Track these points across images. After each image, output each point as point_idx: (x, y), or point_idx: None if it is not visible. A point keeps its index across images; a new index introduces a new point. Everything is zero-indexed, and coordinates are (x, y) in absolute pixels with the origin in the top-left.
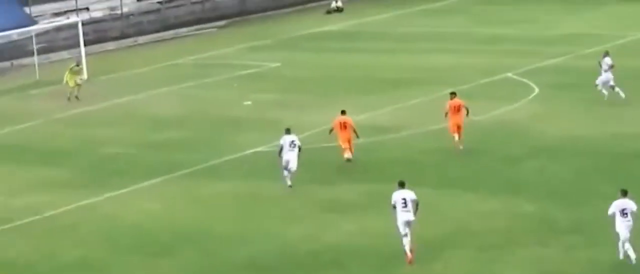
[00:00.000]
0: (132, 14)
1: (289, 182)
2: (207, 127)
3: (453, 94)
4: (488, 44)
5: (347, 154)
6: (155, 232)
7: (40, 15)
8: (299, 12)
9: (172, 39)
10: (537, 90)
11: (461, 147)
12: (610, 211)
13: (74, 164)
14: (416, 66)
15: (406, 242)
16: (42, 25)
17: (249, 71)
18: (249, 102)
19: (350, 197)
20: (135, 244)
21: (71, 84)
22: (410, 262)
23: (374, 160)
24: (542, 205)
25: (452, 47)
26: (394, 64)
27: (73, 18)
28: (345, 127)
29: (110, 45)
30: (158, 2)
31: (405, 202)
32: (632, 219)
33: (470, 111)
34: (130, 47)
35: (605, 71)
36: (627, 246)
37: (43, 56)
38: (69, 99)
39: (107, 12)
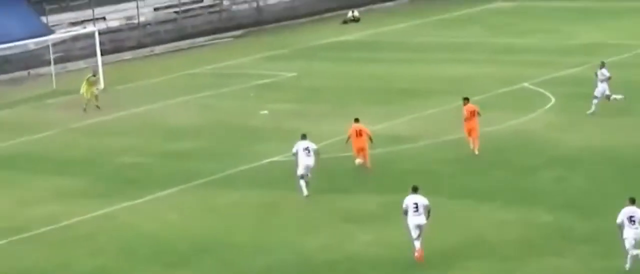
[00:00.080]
0: (149, 24)
1: (305, 192)
2: (223, 137)
3: (466, 100)
4: (505, 54)
5: (359, 160)
6: (172, 242)
7: (57, 25)
8: (315, 22)
9: (188, 48)
10: (553, 100)
11: (476, 152)
12: (619, 219)
13: (90, 174)
14: (433, 76)
15: (417, 243)
16: (59, 35)
17: (265, 81)
18: (266, 112)
19: (367, 207)
20: (153, 254)
21: (87, 95)
22: (420, 258)
23: (391, 170)
24: (558, 215)
25: (469, 57)
26: (410, 74)
27: (90, 27)
28: (360, 134)
29: (127, 55)
30: (175, 12)
31: (416, 207)
32: None
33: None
34: (146, 56)
35: (601, 82)
36: (636, 252)
37: (60, 66)
38: (84, 109)
39: (124, 21)
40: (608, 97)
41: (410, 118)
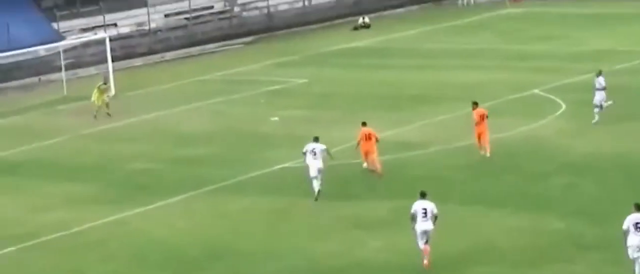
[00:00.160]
0: (159, 30)
1: (316, 191)
2: (234, 143)
3: (475, 104)
4: (515, 61)
5: (366, 164)
6: (183, 248)
7: (68, 31)
8: (325, 28)
9: (199, 55)
10: (564, 106)
11: (488, 154)
12: (624, 226)
13: (101, 180)
14: (443, 82)
15: (421, 242)
16: (70, 41)
17: (276, 87)
18: (276, 118)
19: (378, 214)
20: (164, 260)
21: (98, 102)
22: (428, 266)
23: (401, 176)
24: (569, 222)
25: (480, 63)
26: (421, 81)
27: (101, 34)
28: (369, 138)
29: (138, 61)
30: (185, 18)
31: (425, 213)
32: None
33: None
34: (157, 63)
35: (598, 90)
36: None
37: (71, 72)
38: (95, 116)
39: (135, 28)
40: (600, 106)
41: (420, 124)
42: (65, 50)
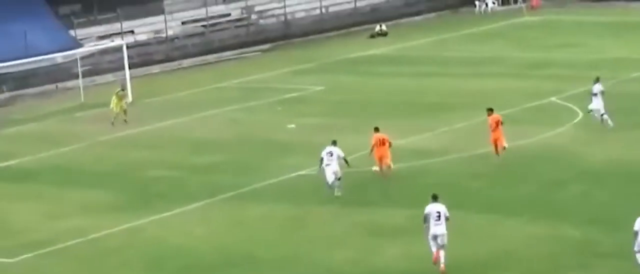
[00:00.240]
0: (176, 38)
1: (337, 192)
2: (250, 151)
3: (490, 110)
4: (532, 69)
5: (375, 168)
6: (200, 255)
7: (86, 39)
8: (342, 36)
9: (216, 62)
10: (581, 115)
11: (499, 159)
12: (636, 226)
13: (118, 187)
14: (460, 90)
15: (433, 244)
16: (87, 49)
17: (292, 95)
18: (293, 126)
19: (395, 221)
20: (180, 268)
21: (116, 109)
22: (436, 261)
23: (418, 184)
24: (586, 229)
25: (496, 71)
26: (437, 88)
27: (118, 41)
28: (383, 143)
29: (155, 69)
30: (202, 26)
31: (438, 216)
32: None
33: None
34: (174, 70)
35: (595, 97)
36: None
37: (88, 79)
38: (112, 123)
39: (152, 35)
40: (601, 114)
41: (437, 132)
42: (82, 58)
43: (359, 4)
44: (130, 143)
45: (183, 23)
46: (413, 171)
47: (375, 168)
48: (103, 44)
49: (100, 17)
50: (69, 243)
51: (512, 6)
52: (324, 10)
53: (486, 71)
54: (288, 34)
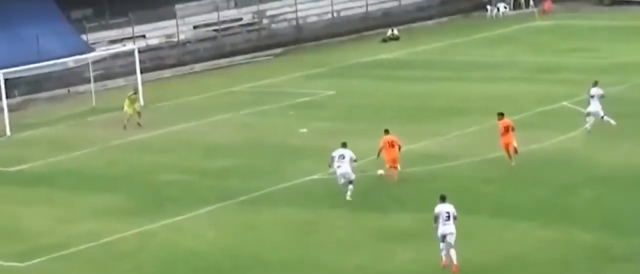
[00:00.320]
0: (188, 42)
1: (348, 196)
2: (262, 155)
3: (501, 115)
4: (544, 73)
5: (381, 171)
6: (212, 259)
7: (97, 43)
8: (354, 40)
9: (228, 66)
10: (593, 119)
11: (513, 163)
12: None
13: (130, 191)
14: (472, 95)
15: (443, 247)
16: (99, 53)
17: (304, 99)
18: (305, 130)
19: (406, 226)
20: (192, 272)
21: (129, 111)
22: (445, 266)
23: (429, 188)
24: (598, 234)
25: (508, 75)
26: (449, 93)
27: (129, 45)
28: (392, 146)
29: (167, 73)
30: (214, 30)
31: (448, 216)
32: None
33: (515, 128)
34: (186, 74)
35: (593, 100)
36: None
37: (99, 83)
38: (124, 126)
39: (164, 39)
40: (601, 116)
41: (448, 137)
42: (94, 62)
43: (370, 9)
44: (142, 147)
45: (195, 27)
46: (424, 176)
47: (381, 172)
48: (115, 49)
49: (111, 21)
50: (81, 247)
51: (524, 10)
52: (335, 14)
53: (498, 75)
54: (300, 38)
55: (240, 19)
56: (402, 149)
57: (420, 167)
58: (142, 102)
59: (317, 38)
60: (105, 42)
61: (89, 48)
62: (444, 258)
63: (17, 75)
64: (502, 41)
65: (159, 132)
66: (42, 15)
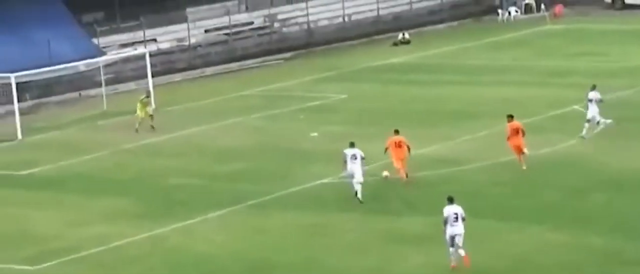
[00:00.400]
0: (199, 45)
1: (359, 197)
2: (273, 159)
3: (510, 117)
4: (555, 77)
5: (386, 173)
6: (222, 263)
7: (108, 47)
8: (365, 44)
9: (239, 70)
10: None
11: (524, 167)
12: None
13: (141, 195)
14: (482, 98)
15: (453, 251)
16: (110, 57)
17: (315, 103)
18: (315, 134)
19: (417, 229)
20: None
21: (142, 114)
22: (454, 268)
23: (439, 192)
24: (608, 238)
25: (519, 79)
26: (460, 96)
27: (141, 49)
28: (399, 146)
29: (178, 77)
30: (225, 34)
31: (456, 217)
32: None
33: (525, 132)
34: (197, 78)
35: (591, 104)
36: None
37: (110, 87)
38: (136, 130)
39: (175, 43)
40: (597, 122)
41: (459, 140)
42: (105, 66)
43: (381, 12)
44: (152, 151)
45: (206, 31)
46: (435, 179)
47: (386, 173)
48: (126, 52)
49: (123, 25)
50: (91, 251)
51: (535, 14)
52: (346, 18)
53: (509, 79)
54: (311, 42)
55: (252, 23)
56: (411, 152)
57: (431, 171)
58: (153, 105)
59: (328, 42)
60: (116, 46)
61: (100, 52)
62: (454, 262)
63: (28, 79)
64: (513, 45)
65: (169, 136)
66: (54, 19)
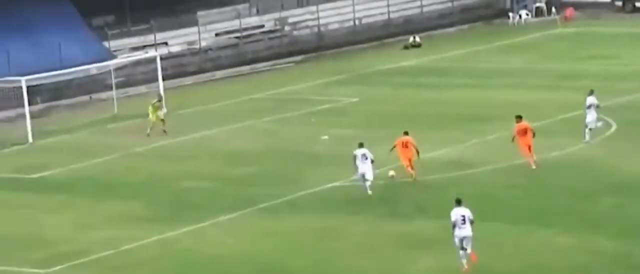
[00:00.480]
0: (210, 49)
1: (369, 192)
2: (284, 162)
3: (519, 118)
4: (565, 80)
5: (392, 173)
6: (233, 266)
7: (119, 50)
8: (376, 48)
9: (249, 73)
10: (614, 126)
11: (534, 166)
12: None
13: (151, 198)
14: (493, 102)
15: (463, 255)
16: (121, 60)
17: (326, 106)
18: (326, 137)
19: (428, 232)
20: None
21: (153, 118)
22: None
23: (450, 195)
24: (618, 242)
25: (530, 82)
26: (470, 100)
27: (151, 53)
28: (406, 146)
29: (188, 80)
30: (236, 37)
31: (464, 219)
32: None
33: (535, 133)
34: (207, 81)
35: (590, 109)
36: None
37: (121, 90)
38: (148, 134)
39: (186, 46)
40: (590, 128)
41: (469, 144)
42: (116, 69)
43: (392, 16)
44: (163, 154)
45: (216, 35)
46: (445, 183)
47: (392, 173)
48: (136, 56)
49: (133, 28)
50: (101, 254)
51: (546, 18)
52: (357, 21)
53: (519, 82)
54: (321, 45)
55: (262, 26)
56: (420, 156)
57: (441, 175)
58: (165, 109)
59: (338, 45)
60: (127, 49)
61: (110, 55)
62: (465, 265)
63: (39, 82)
64: (524, 48)
65: (180, 139)
66: (64, 23)
